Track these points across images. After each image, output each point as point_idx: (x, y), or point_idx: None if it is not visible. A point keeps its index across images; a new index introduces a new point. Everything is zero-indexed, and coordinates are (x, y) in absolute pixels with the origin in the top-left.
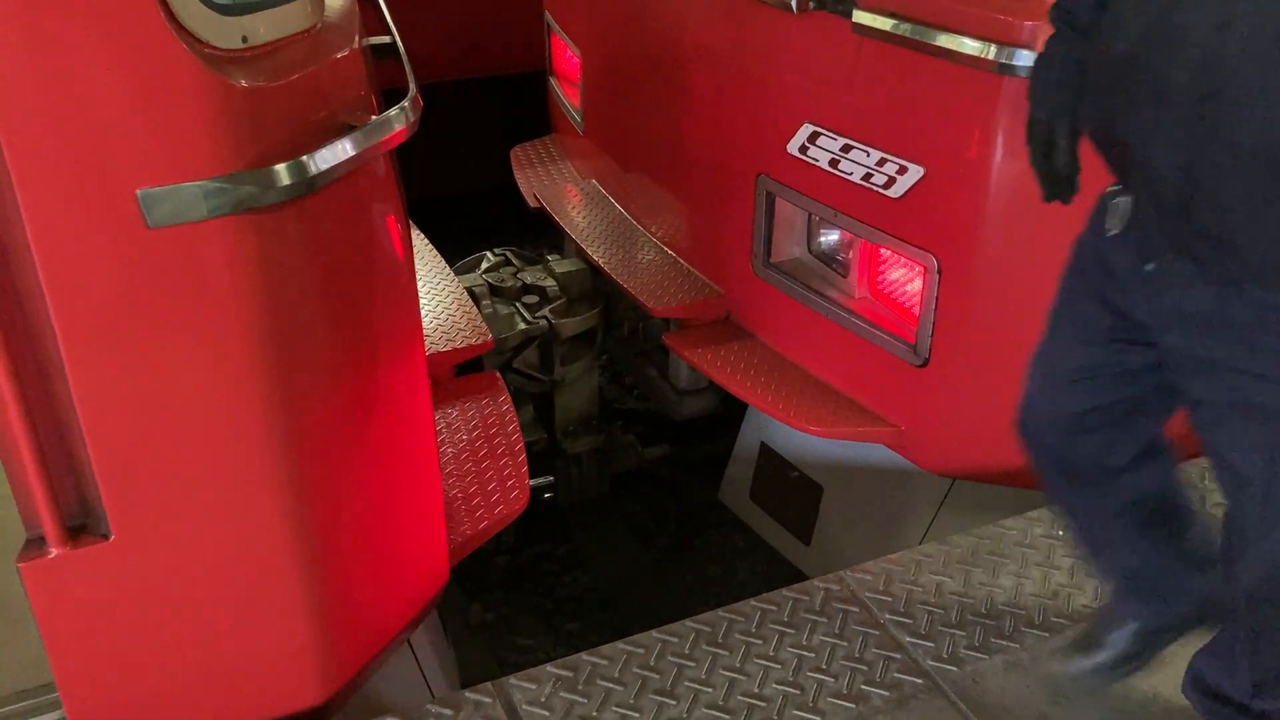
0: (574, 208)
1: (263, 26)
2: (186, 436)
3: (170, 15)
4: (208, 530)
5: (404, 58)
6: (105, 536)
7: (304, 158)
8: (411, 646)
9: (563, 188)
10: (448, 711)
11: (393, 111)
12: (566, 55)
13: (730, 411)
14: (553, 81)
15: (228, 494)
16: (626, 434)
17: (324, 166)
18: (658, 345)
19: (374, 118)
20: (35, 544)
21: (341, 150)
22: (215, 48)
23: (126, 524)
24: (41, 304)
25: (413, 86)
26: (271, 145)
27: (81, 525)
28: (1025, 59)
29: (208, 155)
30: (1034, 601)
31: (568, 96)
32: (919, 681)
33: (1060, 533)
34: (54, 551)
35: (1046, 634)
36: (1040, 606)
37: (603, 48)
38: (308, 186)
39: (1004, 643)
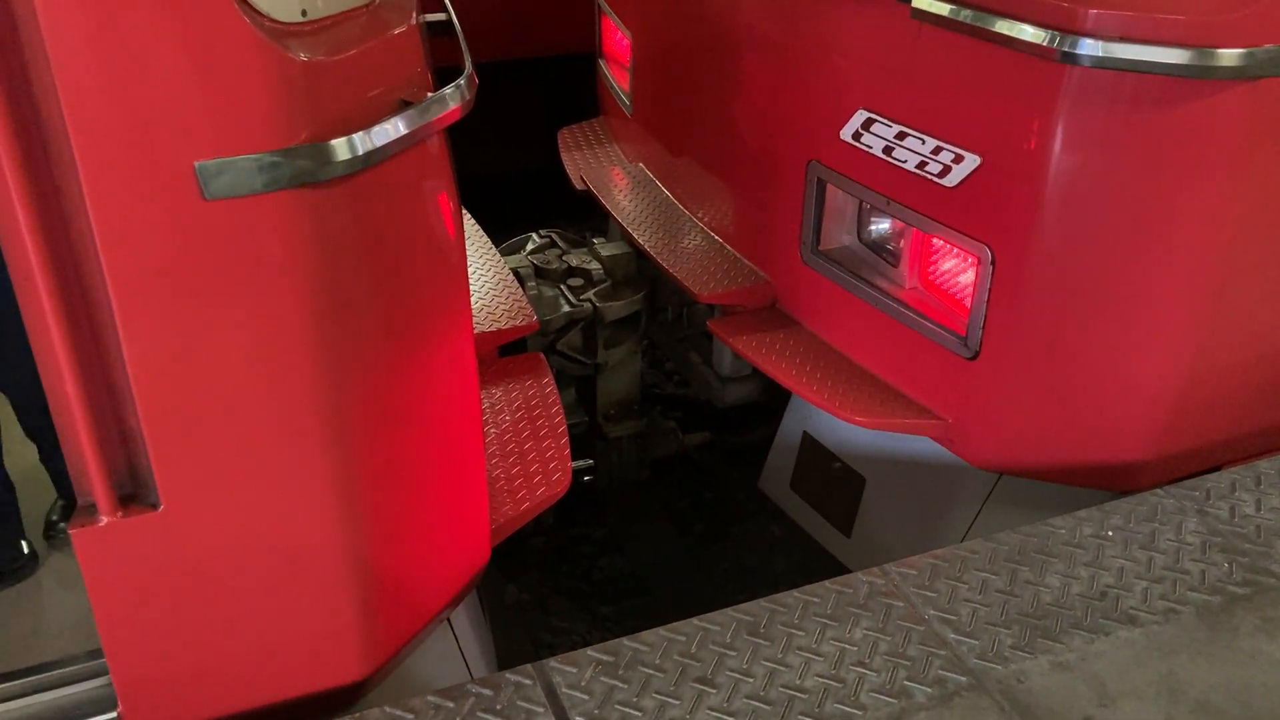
0: (620, 191)
1: (321, 0)
2: (236, 409)
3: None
4: (255, 504)
5: (460, 35)
6: (154, 506)
7: (360, 134)
8: (451, 625)
9: (609, 170)
10: (488, 692)
11: (448, 89)
12: (617, 37)
13: (773, 399)
14: (602, 64)
15: (275, 468)
16: (667, 419)
17: (380, 143)
18: (702, 331)
19: (430, 95)
20: (86, 511)
21: (397, 127)
22: (275, 21)
23: (175, 495)
24: (98, 273)
25: (468, 64)
26: (328, 120)
27: (132, 494)
28: (1088, 47)
29: (265, 129)
30: (1081, 602)
31: (616, 79)
32: (962, 679)
33: (1109, 533)
34: (104, 519)
35: (1094, 635)
36: (1088, 607)
37: (654, 30)
38: (363, 162)
39: (1050, 642)
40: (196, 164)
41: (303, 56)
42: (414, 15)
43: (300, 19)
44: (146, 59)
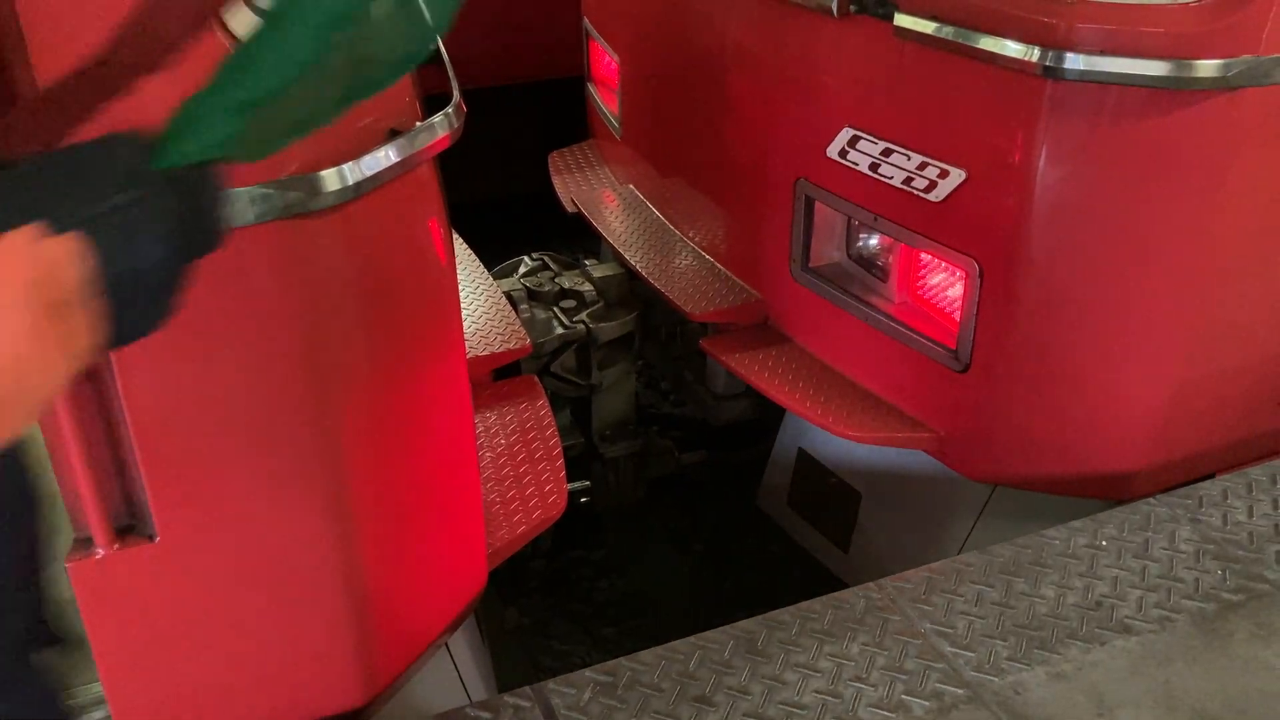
0: (611, 212)
1: None
2: (230, 439)
3: (218, 20)
4: (251, 533)
5: (447, 63)
6: (151, 538)
7: (349, 164)
8: (449, 650)
9: (600, 193)
10: (486, 715)
11: (437, 118)
12: (605, 61)
13: (768, 417)
14: (591, 87)
15: (270, 498)
16: (664, 439)
17: (369, 173)
18: (695, 350)
19: (419, 124)
20: (82, 544)
21: (387, 156)
22: None
23: (172, 526)
24: None
25: (456, 93)
26: (317, 151)
27: (128, 526)
28: (1070, 61)
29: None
30: (1077, 612)
31: (606, 102)
32: (960, 692)
33: (1103, 543)
34: (101, 552)
35: (1090, 645)
36: (1083, 617)
37: (641, 53)
38: (353, 192)
39: (1047, 653)
40: None
41: None
42: None
43: None
44: (134, 93)
